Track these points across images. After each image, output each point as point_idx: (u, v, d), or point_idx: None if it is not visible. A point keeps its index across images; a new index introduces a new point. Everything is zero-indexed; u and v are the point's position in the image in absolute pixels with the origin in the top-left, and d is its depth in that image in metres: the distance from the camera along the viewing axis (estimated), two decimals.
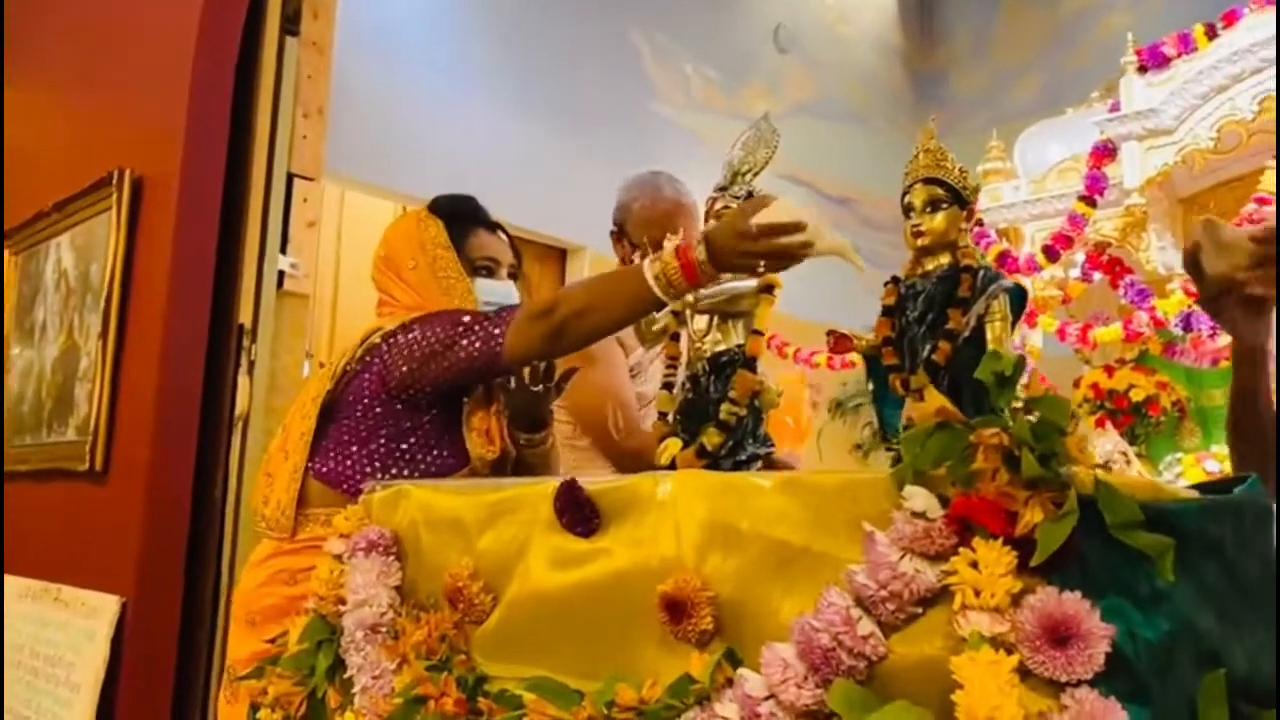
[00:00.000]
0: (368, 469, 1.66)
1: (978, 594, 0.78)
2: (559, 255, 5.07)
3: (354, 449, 1.68)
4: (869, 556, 0.83)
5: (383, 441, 1.67)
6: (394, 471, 1.66)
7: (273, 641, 1.50)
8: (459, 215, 1.83)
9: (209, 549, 2.53)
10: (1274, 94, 3.32)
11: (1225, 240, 1.22)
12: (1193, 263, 1.25)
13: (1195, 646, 0.89)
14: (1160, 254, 3.95)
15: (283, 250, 2.83)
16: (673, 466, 1.30)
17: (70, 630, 2.61)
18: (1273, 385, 1.33)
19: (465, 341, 1.59)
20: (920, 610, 0.82)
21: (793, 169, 5.95)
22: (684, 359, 1.46)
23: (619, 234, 2.24)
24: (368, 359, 1.69)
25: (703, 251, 1.36)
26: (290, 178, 2.89)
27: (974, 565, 0.79)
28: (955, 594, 0.80)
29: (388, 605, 1.29)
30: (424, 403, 1.67)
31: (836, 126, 6.42)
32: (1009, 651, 0.77)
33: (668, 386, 1.48)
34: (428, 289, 1.75)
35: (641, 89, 5.44)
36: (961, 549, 0.80)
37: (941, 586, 0.81)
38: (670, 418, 1.43)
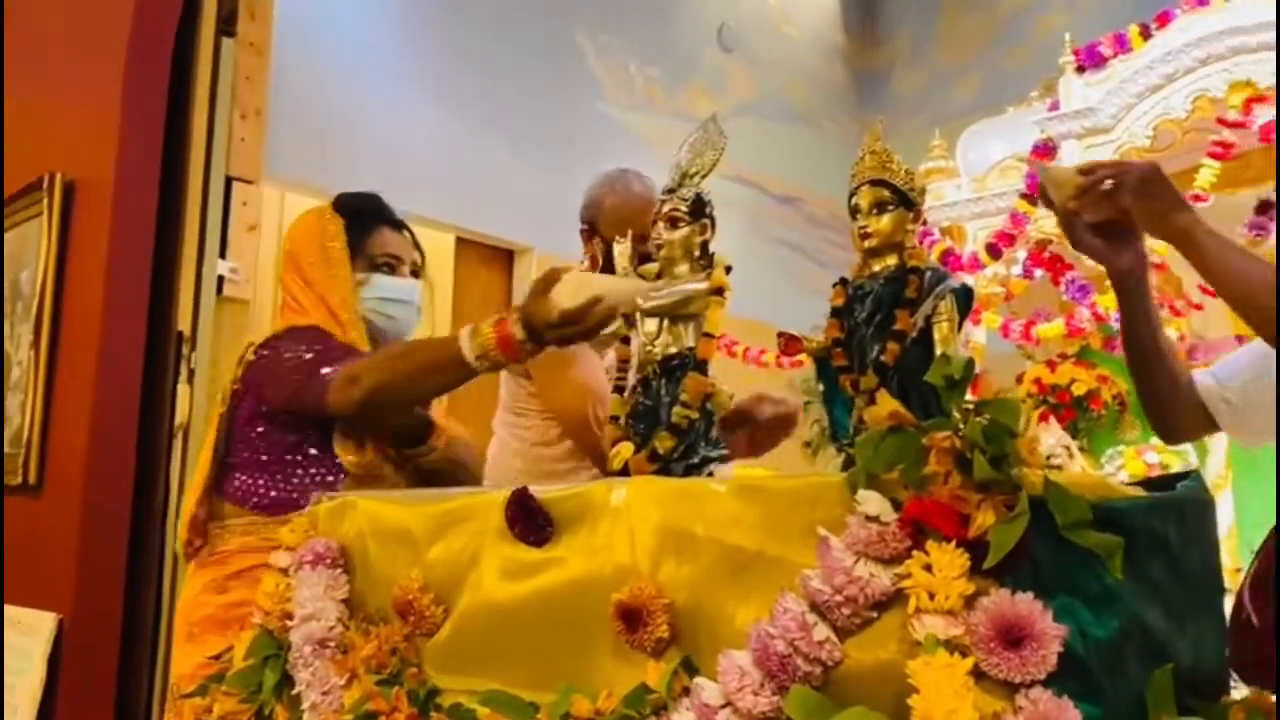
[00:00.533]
0: (267, 482, 1.70)
1: (932, 597, 0.79)
2: (506, 256, 5.03)
3: (252, 466, 1.71)
4: (823, 561, 0.82)
5: (277, 454, 1.71)
6: (294, 482, 1.69)
7: (217, 658, 1.46)
8: (362, 213, 1.84)
9: (150, 563, 2.47)
10: (1207, 94, 3.40)
11: (1056, 178, 1.37)
12: (1046, 202, 1.40)
13: (1144, 643, 0.90)
14: None
15: (222, 255, 2.77)
16: (625, 470, 1.29)
17: (7, 649, 2.53)
18: (1152, 309, 1.45)
19: (315, 383, 1.62)
20: (875, 614, 0.82)
21: (738, 169, 5.96)
22: (635, 362, 1.45)
23: (590, 232, 2.23)
24: (246, 377, 1.73)
25: (520, 330, 1.45)
26: (229, 181, 2.84)
27: (928, 568, 0.79)
28: (909, 597, 0.80)
29: (335, 619, 1.26)
30: (303, 419, 1.70)
31: (780, 126, 6.45)
32: (963, 654, 0.77)
33: (619, 390, 1.47)
34: (323, 285, 1.77)
35: (586, 88, 5.42)
36: (915, 552, 0.80)
37: (896, 590, 0.81)
38: (622, 421, 1.41)
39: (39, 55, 3.06)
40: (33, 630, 2.45)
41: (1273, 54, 3.17)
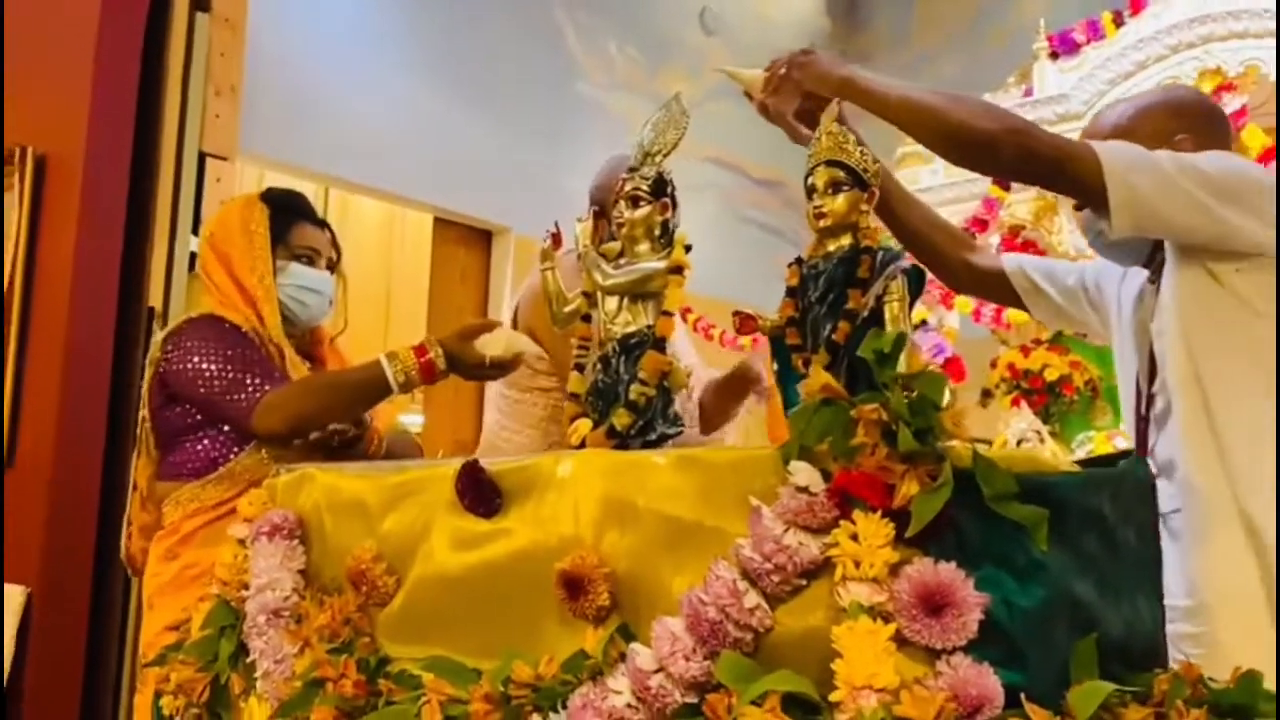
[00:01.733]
0: (193, 449, 1.78)
1: (857, 565, 0.81)
2: (484, 237, 5.03)
3: (177, 442, 1.80)
4: (754, 530, 0.84)
5: (197, 422, 1.78)
6: (220, 440, 1.77)
7: (177, 628, 1.48)
8: (288, 208, 1.94)
9: (119, 537, 2.47)
10: (1177, 81, 3.43)
11: (745, 79, 1.64)
12: (763, 111, 1.63)
13: (1073, 614, 0.92)
14: (1072, 236, 4.05)
15: (195, 232, 2.77)
16: (584, 447, 1.31)
17: None
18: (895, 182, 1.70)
19: (231, 400, 1.72)
20: (805, 582, 0.85)
21: (718, 152, 5.97)
22: (595, 340, 1.47)
23: (600, 213, 2.25)
24: (160, 376, 1.80)
25: (443, 363, 1.67)
26: (202, 157, 2.83)
27: (854, 538, 0.81)
28: (837, 566, 0.82)
29: (291, 589, 1.27)
30: None
31: None
32: (886, 620, 0.80)
33: (579, 368, 1.48)
34: (242, 266, 1.85)
35: (566, 69, 5.41)
36: (842, 522, 0.82)
37: (824, 558, 0.83)
38: (581, 398, 1.43)
39: (10, 27, 3.03)
40: (2, 605, 2.46)
41: (1241, 43, 3.20)
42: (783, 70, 1.56)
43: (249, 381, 1.70)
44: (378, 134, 4.50)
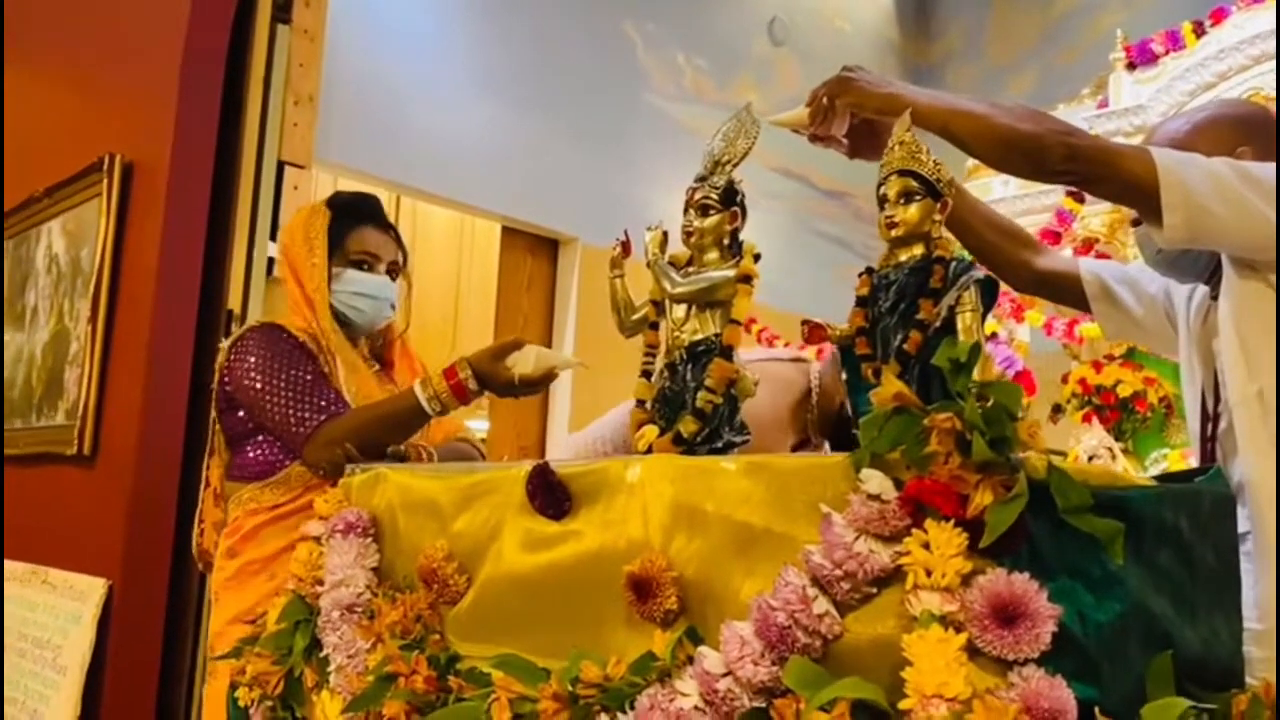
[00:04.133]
0: (256, 454, 1.83)
1: (929, 574, 0.81)
2: (550, 246, 5.07)
3: (243, 444, 1.85)
4: (825, 537, 0.85)
5: (258, 426, 1.82)
6: (278, 445, 1.81)
7: (253, 622, 1.52)
8: (351, 211, 1.96)
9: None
10: (1260, 91, 3.34)
11: (788, 120, 1.56)
12: (817, 142, 1.58)
13: (1148, 629, 0.91)
14: None
15: (273, 237, 2.83)
16: (650, 453, 1.32)
17: (57, 613, 2.63)
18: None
19: (293, 419, 1.75)
20: (875, 590, 0.85)
21: (785, 164, 5.95)
22: (663, 347, 1.48)
23: None
24: (223, 380, 1.86)
25: (474, 384, 1.69)
26: (281, 165, 2.90)
27: (926, 546, 0.81)
28: (908, 574, 0.82)
29: (364, 586, 1.31)
30: None
31: None
32: (958, 630, 0.79)
33: (646, 374, 1.49)
34: (303, 272, 1.89)
35: (634, 79, 5.43)
36: (914, 530, 0.82)
37: (895, 566, 0.83)
38: (648, 405, 1.44)
39: (102, 40, 3.15)
40: (84, 595, 2.54)
41: None
42: (824, 98, 1.53)
43: (304, 410, 1.75)
44: (448, 144, 4.57)
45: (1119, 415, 4.21)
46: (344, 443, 1.67)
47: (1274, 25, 3.29)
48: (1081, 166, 1.39)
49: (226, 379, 1.83)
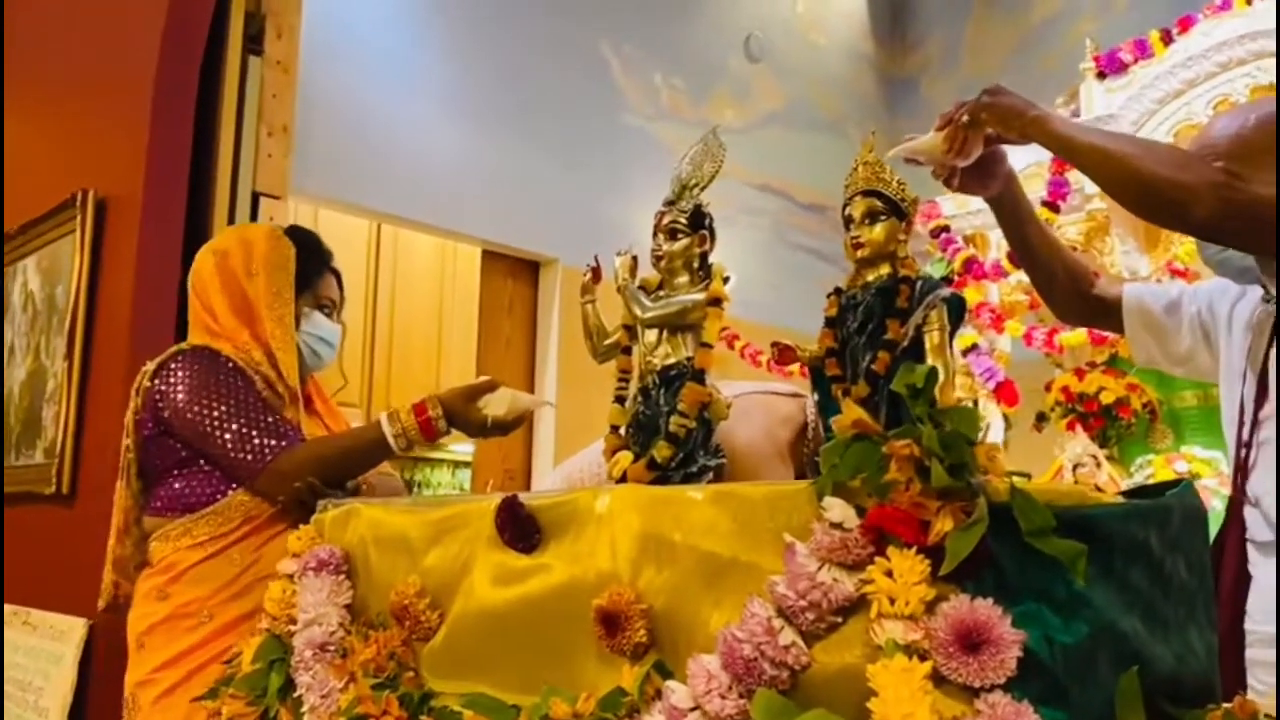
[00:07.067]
0: (186, 485, 1.72)
1: (892, 602, 0.80)
2: (531, 268, 5.07)
3: (170, 474, 1.73)
4: (789, 567, 0.84)
5: (191, 455, 1.72)
6: (216, 476, 1.71)
7: (228, 663, 1.50)
8: (318, 252, 1.90)
9: None
10: (1229, 98, 3.37)
11: (920, 148, 1.49)
12: (950, 178, 1.53)
13: (1117, 648, 0.90)
14: (1124, 257, 3.99)
15: None
16: (625, 480, 1.32)
17: (38, 654, 2.60)
18: (1029, 208, 1.67)
19: (245, 446, 1.67)
20: (840, 619, 0.84)
21: (765, 178, 5.97)
22: (635, 373, 1.47)
23: None
24: (147, 406, 1.74)
25: (444, 424, 1.68)
26: (255, 196, 2.89)
27: (889, 574, 0.81)
28: (872, 603, 0.81)
29: (337, 624, 1.29)
30: None
31: (808, 135, 6.45)
32: (923, 658, 0.79)
33: (620, 400, 1.49)
34: (255, 304, 1.79)
35: (611, 99, 5.45)
36: (877, 558, 0.82)
37: (860, 595, 0.83)
38: (622, 431, 1.44)
39: (72, 76, 3.14)
40: (64, 636, 2.52)
41: None
42: (965, 118, 1.43)
43: (257, 437, 1.67)
44: (427, 170, 4.56)
45: (1103, 422, 4.21)
46: (303, 475, 1.61)
47: (1241, 33, 3.33)
48: (1232, 224, 1.31)
49: (160, 404, 1.71)
